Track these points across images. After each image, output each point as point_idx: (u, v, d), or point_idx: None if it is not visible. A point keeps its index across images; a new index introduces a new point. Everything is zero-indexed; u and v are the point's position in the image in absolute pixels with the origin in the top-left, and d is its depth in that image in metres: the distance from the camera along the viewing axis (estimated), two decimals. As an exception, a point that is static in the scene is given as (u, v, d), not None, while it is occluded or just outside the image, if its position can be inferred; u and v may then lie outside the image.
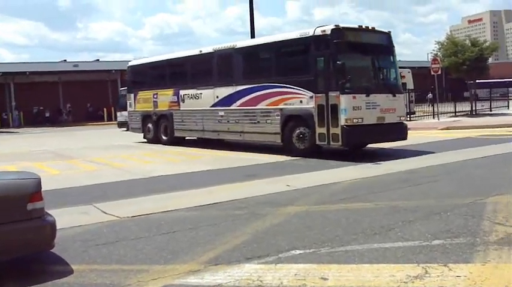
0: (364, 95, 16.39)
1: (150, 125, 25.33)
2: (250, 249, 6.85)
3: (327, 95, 16.39)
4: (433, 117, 35.66)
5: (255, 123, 19.12)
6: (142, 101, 25.81)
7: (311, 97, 16.82)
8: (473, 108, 38.55)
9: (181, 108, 23.04)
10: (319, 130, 16.62)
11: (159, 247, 7.19)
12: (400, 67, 20.28)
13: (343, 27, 16.85)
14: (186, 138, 24.18)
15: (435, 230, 7.38)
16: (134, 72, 27.47)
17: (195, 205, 9.97)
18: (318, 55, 16.97)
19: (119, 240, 7.63)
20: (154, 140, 24.83)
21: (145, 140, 25.81)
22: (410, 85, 36.55)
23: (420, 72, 50.52)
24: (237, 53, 20.36)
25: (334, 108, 16.17)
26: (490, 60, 48.06)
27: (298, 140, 17.48)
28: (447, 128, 28.01)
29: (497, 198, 9.48)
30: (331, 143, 16.42)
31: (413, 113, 37.03)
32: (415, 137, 20.79)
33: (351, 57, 16.72)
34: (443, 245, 6.66)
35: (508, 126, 26.87)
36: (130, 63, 28.23)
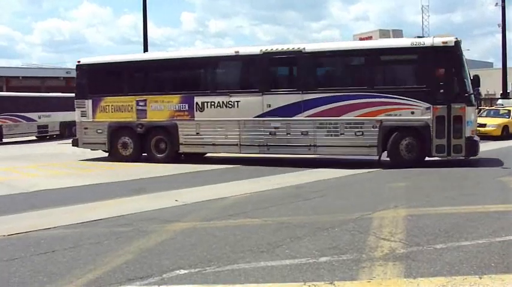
0: (475, 107, 17.11)
1: (127, 140, 20.61)
2: (132, 269, 6.53)
3: (449, 106, 16.29)
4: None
5: (336, 135, 17.49)
6: (112, 109, 20.82)
7: (427, 108, 16.48)
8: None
9: (196, 119, 19.35)
10: (438, 142, 16.42)
11: (35, 269, 6.73)
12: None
13: (459, 40, 16.73)
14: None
15: (322, 246, 7.34)
16: (93, 72, 21.67)
17: (78, 222, 9.50)
18: (437, 66, 16.74)
19: (-9, 261, 7.08)
20: (134, 157, 20.37)
21: (105, 156, 21.43)
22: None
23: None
24: (307, 58, 18.09)
25: (458, 120, 16.23)
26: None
27: (407, 151, 16.93)
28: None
29: (383, 213, 9.62)
30: (452, 154, 16.44)
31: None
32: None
33: (466, 69, 16.96)
34: (329, 262, 6.61)
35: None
36: (84, 61, 22.03)
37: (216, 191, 13.02)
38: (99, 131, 21.01)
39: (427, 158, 17.06)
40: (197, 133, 19.41)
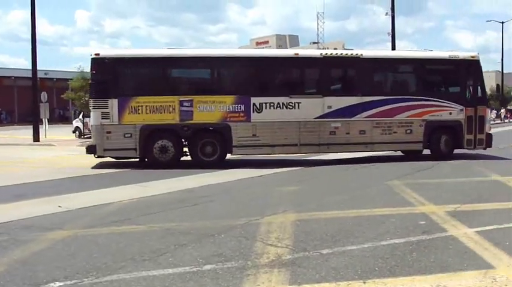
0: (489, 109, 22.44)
1: (166, 143, 18.58)
2: (2, 283, 6.08)
3: (475, 108, 20.31)
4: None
5: (390, 133, 19.89)
6: (146, 110, 18.47)
7: (461, 110, 20.25)
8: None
9: (253, 120, 18.88)
10: (468, 137, 20.28)
11: None
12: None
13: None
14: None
15: (207, 253, 7.14)
16: (120, 67, 19.04)
17: None
18: (468, 75, 20.57)
19: None
20: (175, 162, 18.58)
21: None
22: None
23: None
24: (364, 63, 20.15)
25: (481, 119, 20.38)
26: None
27: (445, 145, 20.34)
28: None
29: (272, 218, 9.53)
30: (477, 146, 20.50)
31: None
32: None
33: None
34: (214, 270, 6.42)
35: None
36: (104, 54, 19.12)
37: (102, 196, 12.53)
38: (127, 135, 18.46)
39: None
40: (253, 135, 19.02)
